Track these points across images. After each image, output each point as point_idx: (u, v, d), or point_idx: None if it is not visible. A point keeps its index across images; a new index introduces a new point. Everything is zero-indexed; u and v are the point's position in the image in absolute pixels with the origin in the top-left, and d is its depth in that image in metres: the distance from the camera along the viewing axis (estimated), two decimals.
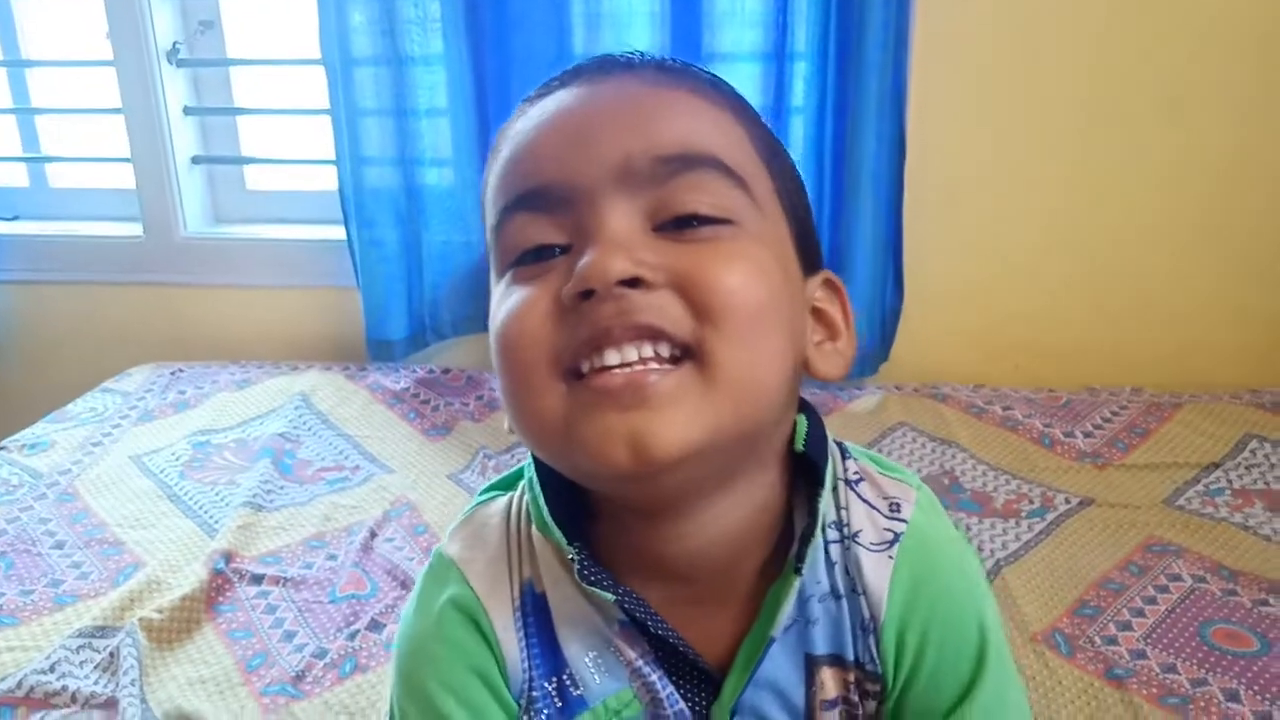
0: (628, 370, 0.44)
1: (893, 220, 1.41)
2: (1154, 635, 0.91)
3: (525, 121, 0.50)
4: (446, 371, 1.53)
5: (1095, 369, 1.46)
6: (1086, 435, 1.29)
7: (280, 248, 1.65)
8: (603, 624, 0.52)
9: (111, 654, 0.92)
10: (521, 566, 0.53)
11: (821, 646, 0.52)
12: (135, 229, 1.66)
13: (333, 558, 1.08)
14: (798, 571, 0.49)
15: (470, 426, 1.38)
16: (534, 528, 0.53)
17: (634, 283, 0.44)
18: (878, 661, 0.52)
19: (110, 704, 0.86)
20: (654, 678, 0.51)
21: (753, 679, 0.51)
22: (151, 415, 1.41)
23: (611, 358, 0.44)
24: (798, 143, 1.40)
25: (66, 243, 1.69)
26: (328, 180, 1.55)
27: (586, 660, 0.52)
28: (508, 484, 0.58)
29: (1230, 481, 1.16)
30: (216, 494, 1.21)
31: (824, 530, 0.52)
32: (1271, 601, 0.95)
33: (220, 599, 1.01)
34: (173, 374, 1.53)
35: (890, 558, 0.52)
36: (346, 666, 0.91)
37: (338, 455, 1.31)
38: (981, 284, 1.49)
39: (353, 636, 0.95)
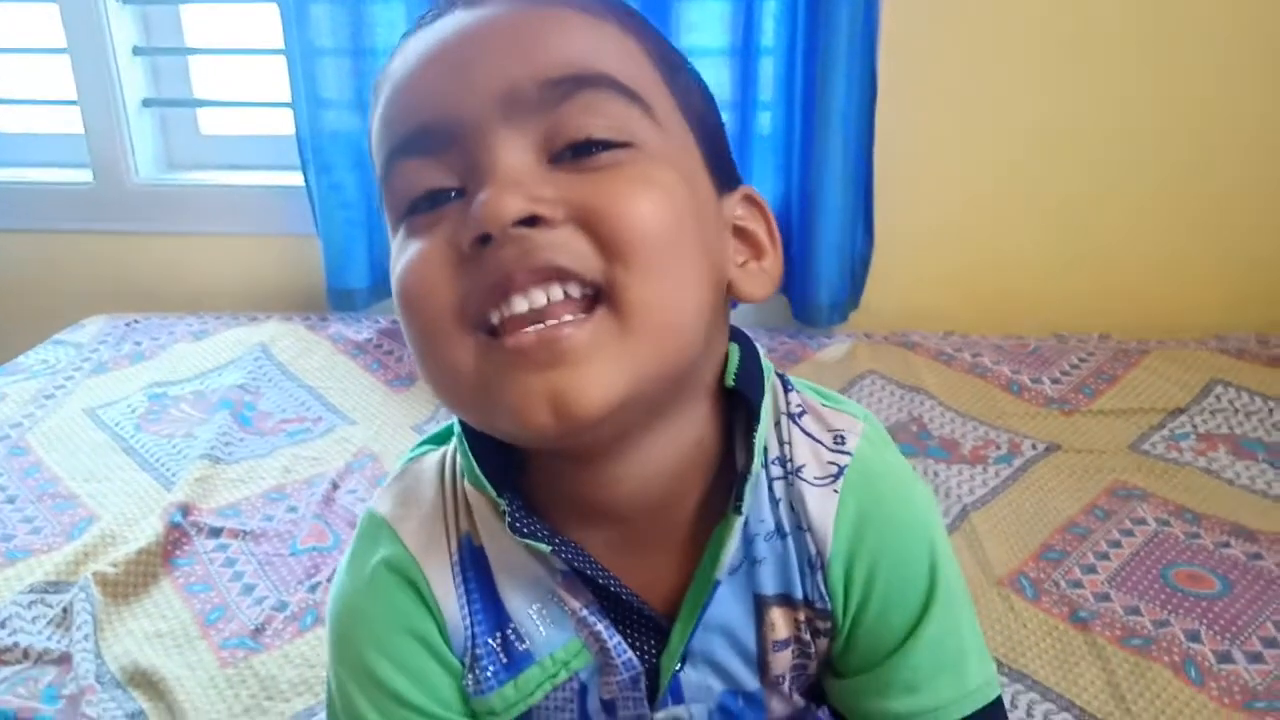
0: (540, 326, 0.41)
1: (863, 164, 1.39)
2: (1118, 578, 0.92)
3: (402, 59, 0.46)
4: None
5: (1064, 313, 1.46)
6: (1054, 381, 1.29)
7: (237, 194, 1.60)
8: (544, 574, 0.50)
9: (65, 609, 0.90)
10: (458, 521, 0.51)
11: (770, 586, 0.51)
12: (85, 175, 1.60)
13: (293, 510, 1.06)
14: (737, 511, 0.48)
15: None
16: (466, 481, 0.51)
17: (532, 221, 0.41)
18: (827, 598, 0.51)
19: (64, 659, 0.84)
20: (600, 627, 0.50)
21: (701, 623, 0.50)
22: (106, 367, 1.38)
23: (519, 304, 0.41)
24: (767, 84, 1.36)
25: (12, 190, 1.63)
26: (285, 124, 1.50)
27: (530, 612, 0.51)
28: (440, 439, 0.56)
29: (1195, 426, 1.17)
30: (174, 446, 1.18)
31: (767, 467, 0.50)
32: (1233, 544, 0.96)
33: (177, 552, 0.99)
34: (127, 325, 1.49)
35: (835, 491, 0.50)
36: (307, 619, 0.90)
37: (299, 407, 1.28)
38: (952, 229, 1.48)
39: (314, 589, 0.93)
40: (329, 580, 0.94)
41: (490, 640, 0.51)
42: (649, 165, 0.44)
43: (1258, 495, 1.04)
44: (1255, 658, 0.81)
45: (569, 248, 0.41)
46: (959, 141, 1.44)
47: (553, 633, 0.51)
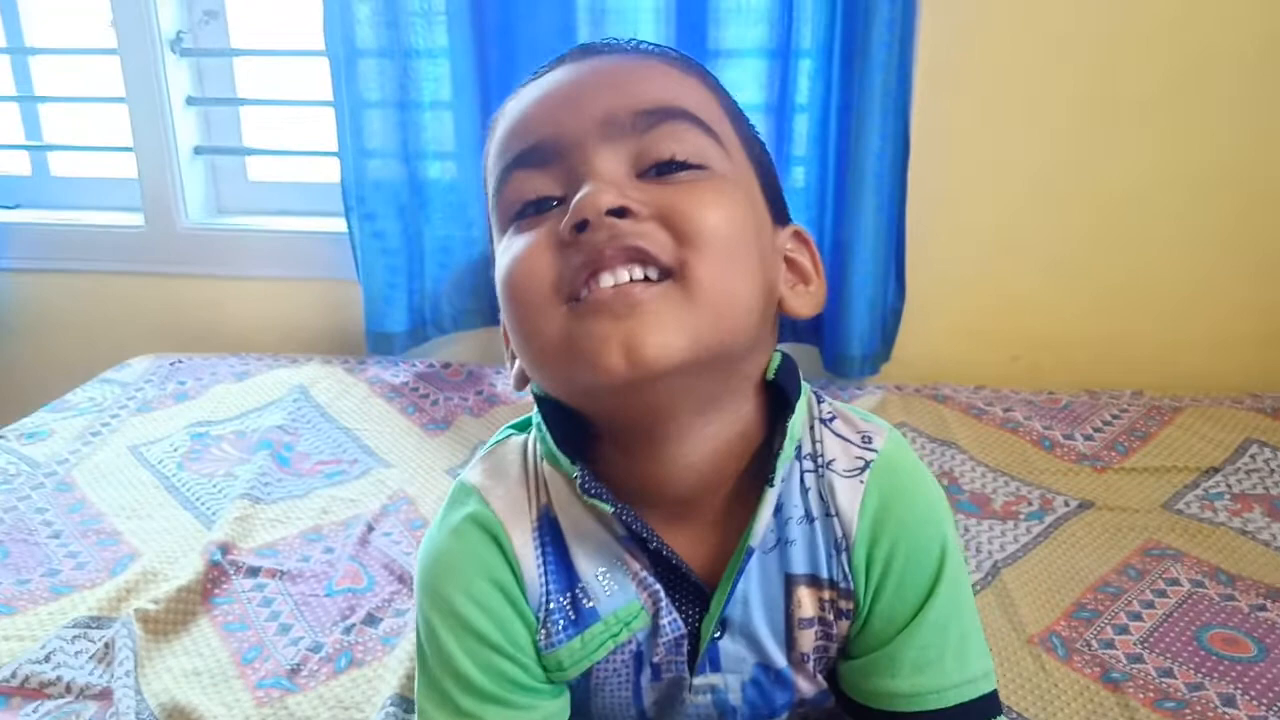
0: (618, 284, 0.49)
1: (895, 220, 1.41)
2: (1151, 639, 0.91)
3: (518, 101, 0.56)
4: (446, 366, 1.52)
5: (1097, 369, 1.46)
6: (1087, 438, 1.28)
7: (282, 239, 1.64)
8: (610, 540, 0.57)
9: (107, 645, 0.92)
10: (539, 494, 0.58)
11: (799, 566, 0.57)
12: (137, 219, 1.66)
13: (330, 551, 1.08)
14: (770, 483, 0.54)
15: (469, 421, 1.38)
16: (545, 462, 0.58)
17: (622, 214, 0.49)
18: (850, 578, 0.57)
19: (105, 695, 0.86)
20: (658, 586, 0.56)
21: (739, 594, 0.56)
22: (150, 406, 1.41)
23: (606, 280, 0.49)
24: (801, 140, 1.39)
25: (68, 232, 1.69)
26: (330, 172, 1.55)
27: (597, 574, 0.57)
28: (521, 427, 0.63)
29: (1230, 486, 1.16)
30: (214, 485, 1.21)
31: (800, 459, 0.58)
32: (1269, 607, 0.95)
33: (216, 591, 1.01)
34: (172, 365, 1.53)
35: (861, 482, 0.57)
36: (342, 661, 0.91)
37: (336, 448, 1.31)
38: (984, 283, 1.49)
39: (349, 630, 0.95)
40: (363, 622, 0.96)
41: (561, 598, 0.57)
42: (720, 183, 0.53)
43: None
44: None
45: (652, 236, 0.50)
46: (990, 197, 1.45)
47: (616, 594, 0.57)
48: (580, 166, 0.51)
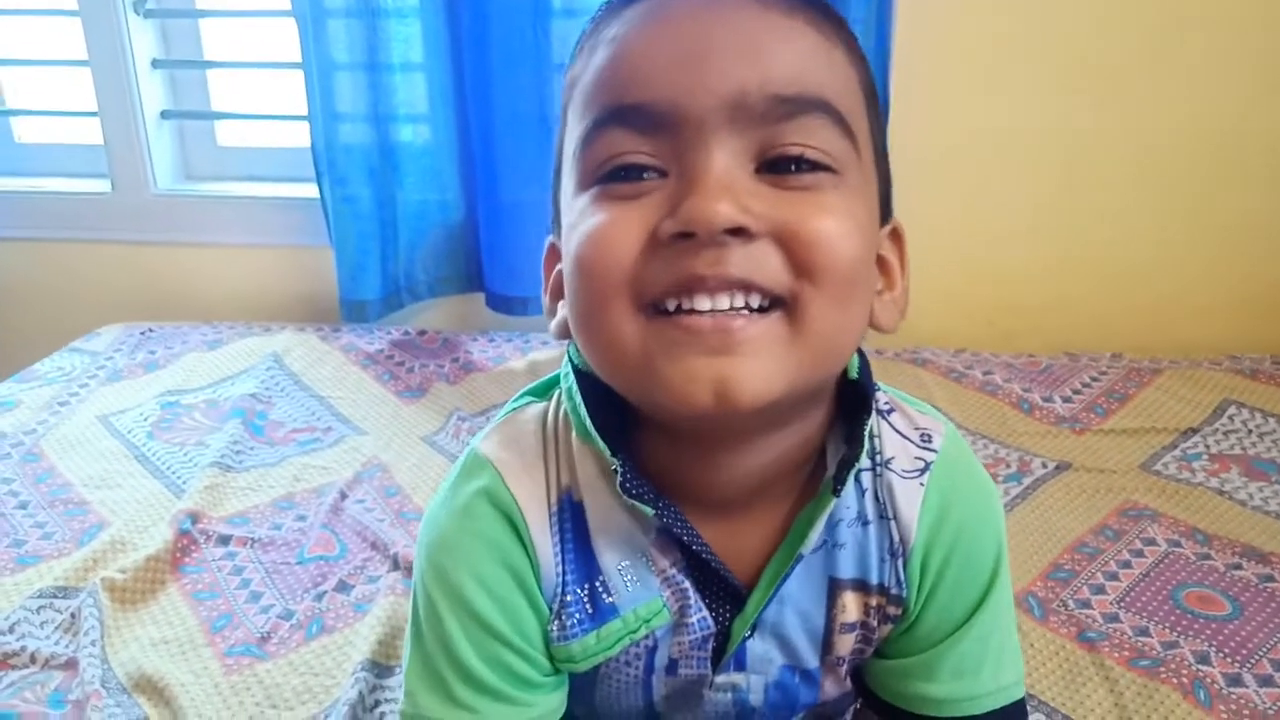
0: (715, 314, 0.43)
1: None
2: (1127, 599, 0.91)
3: (627, 23, 0.46)
4: (422, 333, 1.51)
5: (1076, 332, 1.45)
6: (1065, 400, 1.28)
7: (252, 205, 1.61)
8: (639, 533, 0.52)
9: (73, 615, 0.90)
10: (560, 474, 0.53)
11: (847, 570, 0.54)
12: (103, 185, 1.62)
13: (302, 519, 1.07)
14: (836, 493, 0.50)
15: (445, 389, 1.36)
16: (575, 436, 0.52)
17: (736, 230, 0.43)
18: (904, 584, 0.54)
19: (71, 665, 0.85)
20: (685, 585, 0.52)
21: (776, 596, 0.52)
22: (120, 375, 1.39)
23: (702, 303, 0.43)
24: None
25: (33, 199, 1.65)
26: (300, 136, 1.52)
27: (619, 569, 0.53)
28: (541, 391, 0.58)
29: (1208, 447, 1.16)
30: (185, 455, 1.19)
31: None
32: (1244, 565, 0.95)
33: (186, 560, 1.00)
34: (143, 334, 1.51)
35: (921, 484, 0.53)
36: (313, 628, 0.90)
37: (310, 416, 1.29)
38: (964, 247, 1.47)
39: (320, 598, 0.93)
40: (335, 590, 0.95)
41: (579, 589, 0.53)
42: (847, 195, 0.46)
43: (1270, 517, 1.03)
44: (1266, 681, 0.80)
45: (762, 263, 0.43)
46: (971, 161, 1.44)
47: (638, 590, 0.53)
48: (696, 154, 0.44)
